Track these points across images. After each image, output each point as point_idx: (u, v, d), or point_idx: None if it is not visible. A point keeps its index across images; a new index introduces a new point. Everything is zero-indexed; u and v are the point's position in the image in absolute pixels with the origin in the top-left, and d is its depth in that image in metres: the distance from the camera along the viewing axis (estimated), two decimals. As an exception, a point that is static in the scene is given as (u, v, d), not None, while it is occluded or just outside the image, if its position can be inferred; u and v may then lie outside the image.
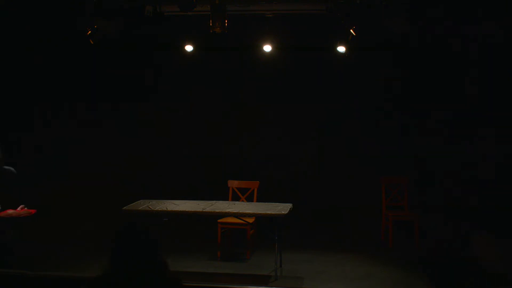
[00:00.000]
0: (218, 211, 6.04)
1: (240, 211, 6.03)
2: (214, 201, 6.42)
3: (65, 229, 7.00)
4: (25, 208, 4.17)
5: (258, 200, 6.82)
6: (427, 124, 7.62)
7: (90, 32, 6.27)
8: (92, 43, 6.35)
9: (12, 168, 4.27)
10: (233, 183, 7.07)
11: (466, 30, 6.50)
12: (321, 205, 7.89)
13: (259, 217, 6.36)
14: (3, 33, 6.56)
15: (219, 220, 6.69)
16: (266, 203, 6.40)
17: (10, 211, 4.06)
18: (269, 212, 5.91)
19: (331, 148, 8.03)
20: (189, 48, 6.96)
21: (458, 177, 7.38)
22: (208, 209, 6.03)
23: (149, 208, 6.00)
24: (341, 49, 6.48)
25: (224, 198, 6.91)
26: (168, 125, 8.24)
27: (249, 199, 6.90)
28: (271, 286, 5.79)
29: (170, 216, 6.10)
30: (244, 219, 6.49)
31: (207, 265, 6.52)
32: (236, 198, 6.98)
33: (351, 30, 6.05)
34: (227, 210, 6.05)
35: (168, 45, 7.20)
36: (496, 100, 7.21)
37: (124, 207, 5.97)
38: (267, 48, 6.82)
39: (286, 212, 5.87)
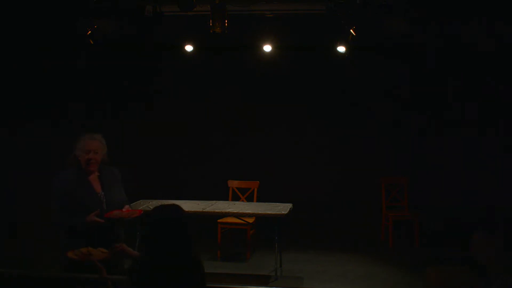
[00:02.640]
0: (218, 211, 6.05)
1: (240, 211, 6.03)
2: (214, 201, 6.42)
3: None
4: (130, 209, 4.05)
5: (258, 200, 6.82)
6: (428, 124, 7.62)
7: (90, 32, 6.26)
8: (92, 43, 6.34)
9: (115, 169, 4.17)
10: (233, 183, 7.07)
11: (466, 30, 6.49)
12: (321, 205, 7.88)
13: (259, 217, 6.36)
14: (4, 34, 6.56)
15: (219, 220, 6.69)
16: (266, 203, 6.40)
17: (116, 212, 3.92)
18: (269, 212, 5.91)
19: (331, 148, 8.02)
20: (189, 48, 6.95)
21: (458, 176, 7.38)
22: (208, 209, 6.03)
23: (149, 208, 6.00)
24: (341, 49, 6.47)
25: (224, 198, 6.91)
26: (168, 124, 8.23)
27: (249, 199, 6.90)
28: (271, 286, 5.79)
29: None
30: (244, 219, 6.49)
31: (207, 265, 6.44)
32: (236, 198, 6.97)
33: (351, 30, 6.04)
34: (227, 210, 6.05)
35: (168, 45, 7.20)
36: (495, 99, 7.22)
37: (124, 207, 5.97)
38: (267, 48, 6.81)
39: (286, 212, 5.87)
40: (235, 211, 6.03)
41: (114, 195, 4.02)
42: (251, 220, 6.60)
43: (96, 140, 4.00)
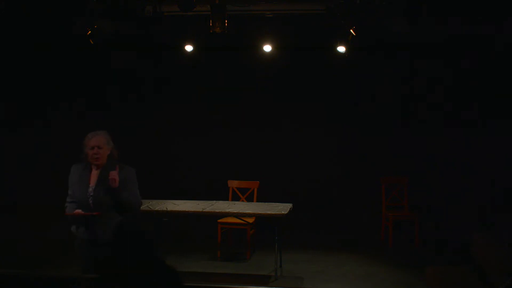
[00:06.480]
0: (218, 211, 6.05)
1: (240, 211, 6.03)
2: (214, 201, 6.42)
3: (64, 229, 6.99)
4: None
5: (258, 200, 6.82)
6: (428, 124, 7.62)
7: (90, 32, 6.26)
8: (92, 43, 6.35)
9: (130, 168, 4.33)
10: (233, 183, 7.07)
11: (465, 30, 6.49)
12: (321, 205, 7.88)
13: (259, 217, 6.36)
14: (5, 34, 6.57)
15: (219, 220, 6.70)
16: (266, 203, 6.40)
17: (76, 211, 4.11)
18: (269, 212, 5.91)
19: (331, 148, 8.02)
20: (189, 48, 6.95)
21: (458, 176, 7.38)
22: (208, 209, 6.03)
23: (149, 208, 6.00)
24: (341, 49, 6.47)
25: (224, 198, 6.91)
26: (168, 124, 8.24)
27: (249, 199, 6.90)
28: (271, 286, 5.80)
29: (170, 216, 6.10)
30: (244, 219, 6.49)
31: (207, 265, 6.53)
32: (236, 198, 6.98)
33: (351, 30, 6.04)
34: (227, 210, 6.05)
35: (168, 45, 7.20)
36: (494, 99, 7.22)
37: (124, 207, 5.96)
38: (267, 48, 6.82)
39: (286, 212, 5.87)
40: (235, 211, 6.03)
41: (104, 192, 4.10)
42: (251, 220, 6.60)
43: (100, 135, 4.25)
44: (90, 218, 4.07)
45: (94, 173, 4.21)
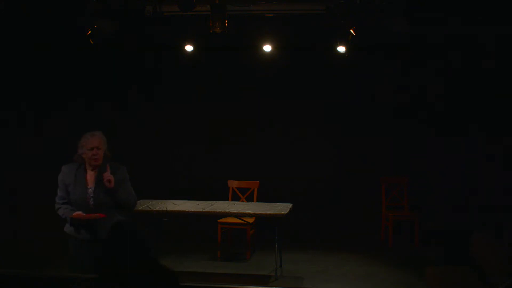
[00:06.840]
0: (218, 211, 6.05)
1: (240, 211, 6.04)
2: (214, 201, 6.43)
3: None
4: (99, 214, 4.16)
5: (258, 200, 6.82)
6: (427, 124, 7.62)
7: (90, 32, 6.26)
8: (92, 43, 6.35)
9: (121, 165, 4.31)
10: (233, 183, 7.07)
11: (465, 30, 6.49)
12: (321, 205, 7.88)
13: (259, 217, 6.36)
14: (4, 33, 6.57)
15: (219, 220, 6.70)
16: (266, 203, 6.40)
17: (81, 214, 4.10)
18: (269, 212, 5.92)
19: (331, 148, 8.02)
20: (189, 48, 6.96)
21: (458, 176, 7.37)
22: (208, 209, 6.03)
23: (149, 208, 6.01)
24: (341, 49, 6.48)
25: (224, 198, 6.91)
26: (168, 124, 8.24)
27: (249, 199, 6.90)
28: (271, 286, 5.80)
29: (170, 216, 6.10)
30: (244, 219, 6.49)
31: (207, 265, 6.53)
32: (236, 198, 6.98)
33: (351, 30, 6.04)
34: (227, 210, 6.05)
35: (168, 45, 7.20)
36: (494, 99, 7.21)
37: (124, 207, 5.96)
38: (267, 48, 6.82)
39: (286, 212, 5.87)
40: (235, 211, 6.03)
41: (104, 192, 4.12)
42: (251, 220, 6.60)
43: (97, 136, 4.23)
44: (93, 219, 4.07)
45: (91, 174, 4.20)
